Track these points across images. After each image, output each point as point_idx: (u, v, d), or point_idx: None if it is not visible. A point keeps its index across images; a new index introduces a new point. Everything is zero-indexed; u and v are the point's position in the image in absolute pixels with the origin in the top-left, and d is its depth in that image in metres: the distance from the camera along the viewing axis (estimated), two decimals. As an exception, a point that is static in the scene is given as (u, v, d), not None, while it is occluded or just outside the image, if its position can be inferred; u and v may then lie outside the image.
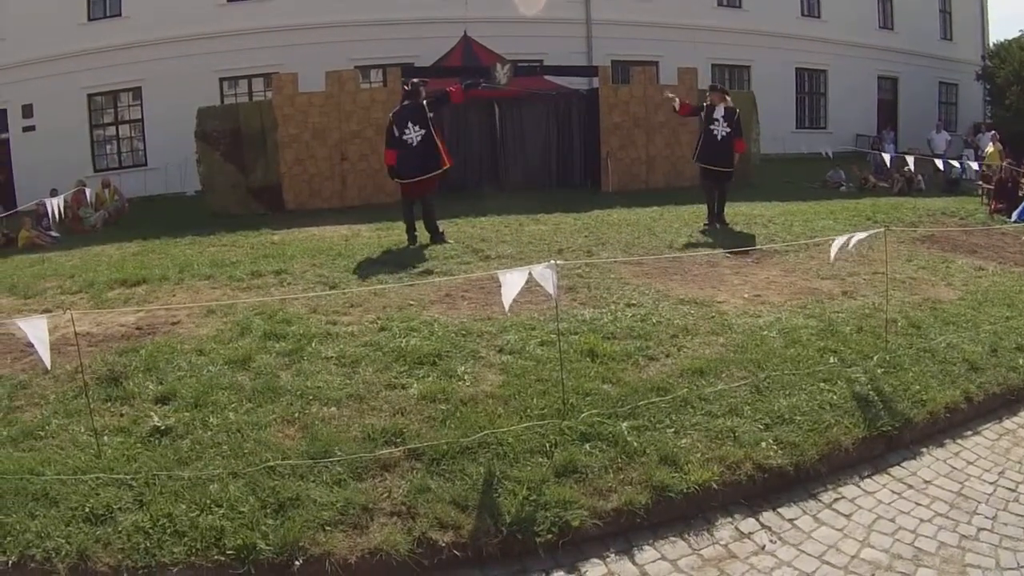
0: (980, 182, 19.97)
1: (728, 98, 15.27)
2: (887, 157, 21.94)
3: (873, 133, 36.35)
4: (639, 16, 32.47)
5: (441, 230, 13.52)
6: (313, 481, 5.39)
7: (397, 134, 13.19)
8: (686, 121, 20.33)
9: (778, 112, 33.04)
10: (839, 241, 7.92)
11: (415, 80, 14.00)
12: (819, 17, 36.74)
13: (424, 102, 13.25)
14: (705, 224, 14.71)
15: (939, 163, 19.32)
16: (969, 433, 6.94)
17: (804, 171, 27.11)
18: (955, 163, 19.02)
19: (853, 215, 15.63)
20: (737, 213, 15.62)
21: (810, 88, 37.61)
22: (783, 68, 35.67)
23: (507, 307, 6.32)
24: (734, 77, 35.04)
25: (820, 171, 26.20)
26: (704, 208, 15.06)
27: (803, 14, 36.59)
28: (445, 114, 21.62)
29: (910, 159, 19.48)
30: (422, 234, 13.31)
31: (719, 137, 14.78)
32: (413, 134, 13.12)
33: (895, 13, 38.73)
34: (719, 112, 14.81)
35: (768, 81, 33.53)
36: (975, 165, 19.14)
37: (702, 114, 15.25)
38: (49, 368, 5.94)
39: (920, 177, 24.38)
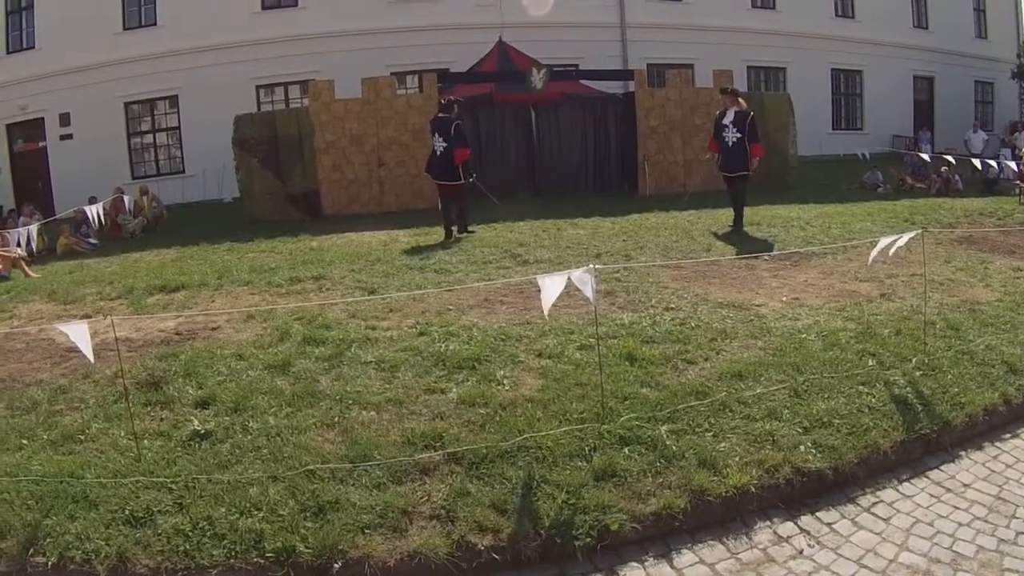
0: (1018, 182, 19.75)
1: (741, 101, 15.07)
2: (925, 157, 21.76)
3: (910, 134, 36.11)
4: (673, 19, 32.43)
5: (468, 226, 15.19)
6: (352, 485, 5.41)
7: (430, 139, 15.34)
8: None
9: (814, 114, 32.87)
10: (880, 244, 7.84)
11: (452, 98, 15.78)
12: (853, 17, 36.55)
13: (457, 122, 14.92)
14: (730, 227, 14.62)
15: (977, 163, 19.12)
16: (1008, 436, 6.85)
17: (841, 173, 26.97)
18: (992, 163, 18.81)
19: (891, 217, 15.51)
20: (775, 215, 15.55)
21: (846, 89, 37.41)
22: (818, 69, 35.48)
23: (546, 312, 6.32)
24: (769, 79, 34.95)
25: (857, 173, 26.04)
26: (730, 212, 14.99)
27: (837, 14, 36.41)
28: (481, 118, 21.89)
29: (949, 158, 19.30)
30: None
31: (729, 143, 14.66)
32: (438, 144, 15.02)
33: (929, 12, 38.49)
34: (728, 117, 14.67)
35: (804, 83, 33.35)
36: (1013, 165, 18.95)
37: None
38: (92, 360, 5.98)
39: (957, 177, 24.19)
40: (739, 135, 14.50)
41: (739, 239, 13.47)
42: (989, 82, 40.89)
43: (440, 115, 15.23)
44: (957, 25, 38.99)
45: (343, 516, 5.07)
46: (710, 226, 14.56)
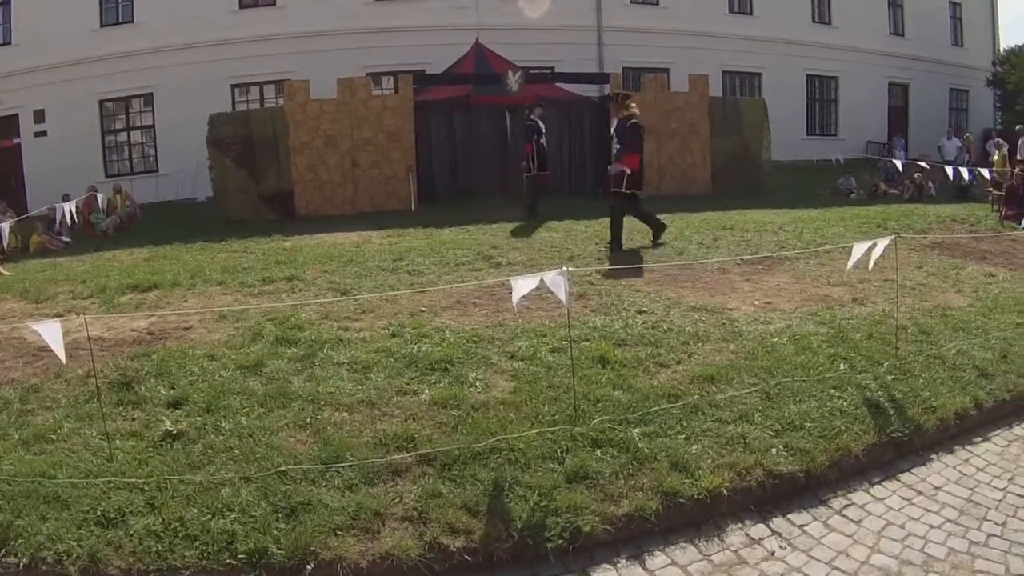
0: (990, 189, 19.84)
1: (631, 105, 13.02)
2: (898, 164, 21.88)
3: (884, 140, 36.32)
4: (650, 23, 32.52)
5: (535, 213, 17.50)
6: (325, 486, 5.40)
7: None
8: (697, 129, 20.48)
9: (789, 119, 32.98)
10: (856, 252, 7.84)
11: (534, 103, 19.36)
12: (830, 24, 36.77)
13: (528, 122, 18.72)
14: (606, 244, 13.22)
15: (949, 170, 19.21)
16: (979, 439, 6.89)
17: (815, 178, 27.09)
18: (964, 170, 18.87)
19: (863, 222, 15.60)
20: (748, 220, 15.61)
21: (821, 95, 37.64)
22: (794, 75, 35.72)
23: (515, 304, 6.30)
24: (745, 84, 35.11)
25: (831, 178, 26.17)
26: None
27: (814, 20, 36.62)
28: (459, 121, 22.11)
29: (923, 165, 19.41)
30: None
31: (614, 155, 13.09)
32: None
33: (906, 19, 38.78)
34: (612, 125, 13.36)
35: (779, 88, 33.54)
36: (986, 172, 19.02)
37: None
38: (64, 359, 5.96)
39: (930, 184, 24.32)
40: (619, 146, 12.85)
41: (737, 243, 13.49)
42: (964, 89, 41.21)
43: (530, 120, 18.68)
44: (933, 33, 39.28)
45: (315, 517, 5.06)
46: (683, 229, 14.58)
